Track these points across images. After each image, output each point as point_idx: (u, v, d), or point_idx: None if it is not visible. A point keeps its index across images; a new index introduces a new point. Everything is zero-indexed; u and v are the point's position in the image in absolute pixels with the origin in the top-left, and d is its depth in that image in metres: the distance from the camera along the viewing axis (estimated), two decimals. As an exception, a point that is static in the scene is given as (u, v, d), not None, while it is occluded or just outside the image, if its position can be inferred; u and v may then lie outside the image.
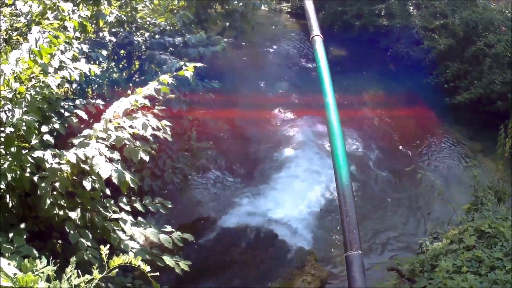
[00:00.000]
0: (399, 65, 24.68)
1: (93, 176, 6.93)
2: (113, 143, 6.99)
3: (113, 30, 11.29)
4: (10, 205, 6.76)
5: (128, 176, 6.92)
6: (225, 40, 14.41)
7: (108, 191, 7.30)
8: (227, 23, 15.75)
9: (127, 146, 7.07)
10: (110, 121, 7.13)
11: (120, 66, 11.56)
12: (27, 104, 6.78)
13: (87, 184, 6.87)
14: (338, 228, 13.62)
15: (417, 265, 9.20)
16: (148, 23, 12.54)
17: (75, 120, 7.90)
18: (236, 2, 15.10)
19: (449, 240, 9.40)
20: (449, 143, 19.25)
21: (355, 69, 24.05)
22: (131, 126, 7.14)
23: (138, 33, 12.09)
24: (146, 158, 7.16)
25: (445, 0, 26.65)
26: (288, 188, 14.81)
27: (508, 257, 7.95)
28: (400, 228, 14.13)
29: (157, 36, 12.09)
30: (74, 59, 7.97)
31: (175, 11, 14.11)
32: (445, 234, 10.20)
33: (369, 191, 15.55)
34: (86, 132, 7.19)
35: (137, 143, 7.24)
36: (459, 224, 10.54)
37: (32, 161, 6.66)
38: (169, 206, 7.98)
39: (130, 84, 11.54)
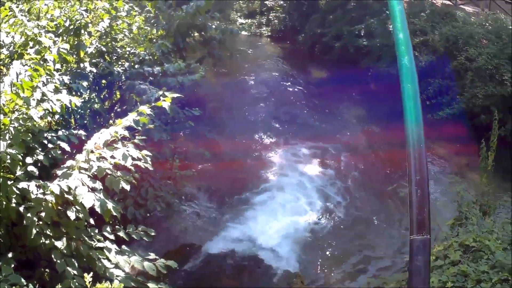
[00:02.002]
0: (380, 84, 24.77)
1: (77, 206, 7.01)
2: (95, 173, 7.09)
3: (94, 61, 11.37)
4: (-2, 234, 6.84)
5: (110, 205, 7.01)
6: (206, 67, 14.58)
7: (92, 221, 7.38)
8: (206, 51, 15.88)
9: (109, 176, 7.17)
10: (92, 152, 7.22)
11: (102, 96, 11.62)
12: (11, 137, 6.88)
13: (72, 214, 6.96)
14: (324, 250, 13.71)
15: (403, 283, 9.27)
16: (127, 53, 12.63)
17: (58, 152, 7.98)
18: (214, 30, 15.22)
19: (434, 257, 9.45)
20: (433, 159, 19.37)
21: (336, 90, 24.19)
22: (112, 157, 7.24)
23: (118, 63, 12.18)
24: (127, 187, 7.26)
25: (425, 17, 26.86)
26: (272, 214, 14.86)
27: (494, 269, 8.02)
28: (385, 247, 14.19)
29: (136, 66, 12.15)
30: (56, 90, 8.07)
31: (154, 40, 14.22)
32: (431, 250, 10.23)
33: (352, 212, 15.60)
34: (69, 163, 7.28)
35: (119, 173, 7.32)
36: (444, 240, 10.59)
37: (18, 192, 6.76)
38: (152, 234, 8.06)
39: (112, 114, 11.64)
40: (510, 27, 24.99)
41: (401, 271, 11.19)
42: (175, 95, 8.17)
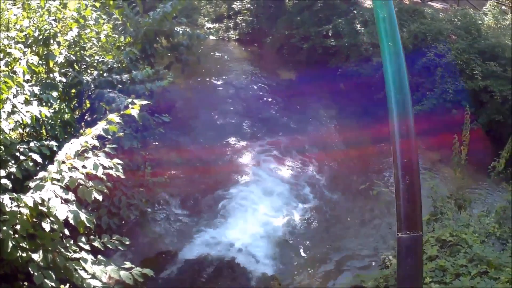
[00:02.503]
0: (349, 83, 24.88)
1: (51, 218, 6.98)
2: (67, 184, 7.05)
3: (63, 70, 11.32)
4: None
5: (83, 216, 6.98)
6: (174, 72, 14.57)
7: (67, 231, 7.34)
8: (174, 57, 15.84)
9: (81, 187, 7.14)
10: (63, 162, 7.18)
11: (71, 106, 11.57)
12: (-17, 150, 6.85)
13: (46, 226, 6.92)
14: (300, 250, 13.73)
15: (381, 281, 9.27)
16: (96, 61, 12.59)
17: (31, 164, 7.94)
18: (181, 35, 15.19)
19: (412, 253, 9.46)
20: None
21: (306, 91, 24.25)
22: (83, 166, 7.20)
23: (87, 72, 12.15)
24: (100, 197, 7.23)
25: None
26: (246, 216, 14.88)
27: (473, 262, 8.06)
28: (361, 245, 14.24)
29: (105, 74, 12.12)
30: (26, 102, 8.04)
31: (122, 47, 14.17)
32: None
33: (326, 211, 15.65)
34: (41, 174, 7.24)
35: (90, 183, 7.29)
36: (420, 235, 10.61)
37: (-9, 205, 6.71)
38: (127, 242, 8.03)
39: (82, 124, 11.58)
40: (479, 21, 25.22)
41: (378, 269, 11.18)
42: (144, 102, 8.13)
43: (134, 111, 7.68)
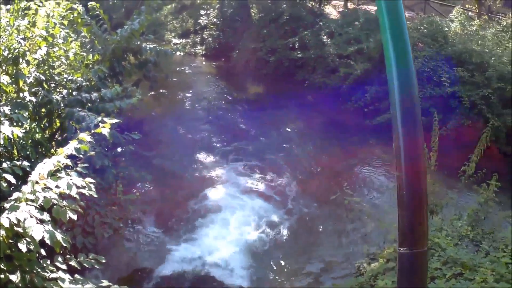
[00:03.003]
0: (317, 95, 25.07)
1: (27, 238, 6.95)
2: (42, 204, 7.03)
3: (33, 89, 11.25)
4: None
5: (59, 236, 6.95)
6: (142, 89, 14.56)
7: (43, 252, 7.31)
8: (142, 74, 15.81)
9: (55, 207, 7.12)
10: (37, 182, 7.17)
11: (42, 125, 11.51)
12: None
13: (23, 247, 6.89)
14: (276, 263, 13.75)
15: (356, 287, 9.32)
16: (65, 80, 12.53)
17: (4, 184, 7.91)
18: (148, 52, 15.17)
19: (386, 259, 9.55)
20: (375, 164, 19.60)
21: (273, 104, 24.36)
22: (57, 186, 7.18)
23: (56, 91, 12.08)
24: (74, 217, 7.21)
25: (359, 26, 27.18)
26: (220, 231, 14.87)
27: (447, 265, 8.12)
28: (336, 254, 14.28)
29: (74, 93, 12.05)
30: (-3, 122, 8.03)
31: (91, 65, 14.11)
32: (381, 253, 10.32)
33: (299, 224, 15.66)
34: (15, 195, 7.21)
35: (64, 203, 7.27)
36: (393, 242, 10.69)
37: (-32, 227, 6.67)
38: (103, 261, 8.00)
39: (53, 143, 11.53)
40: (446, 28, 25.49)
41: (353, 276, 11.23)
42: (114, 121, 8.12)
43: (105, 130, 7.67)
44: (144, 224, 14.76)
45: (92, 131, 7.81)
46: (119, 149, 12.75)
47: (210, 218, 15.38)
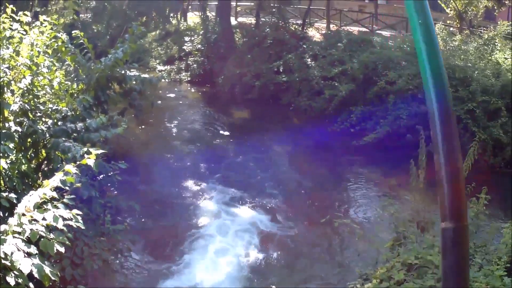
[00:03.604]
0: (302, 118, 25.12)
1: (15, 272, 6.86)
2: (29, 236, 6.95)
3: (18, 120, 11.18)
4: None
5: (47, 269, 6.88)
6: (127, 118, 14.50)
7: (32, 285, 7.21)
8: (127, 102, 15.73)
9: (42, 239, 7.04)
10: (23, 215, 7.09)
11: (28, 156, 11.43)
12: None
13: (11, 280, 6.82)
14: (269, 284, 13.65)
15: (349, 308, 9.27)
16: (50, 109, 12.44)
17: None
18: (133, 81, 15.10)
19: (379, 280, 9.47)
20: (364, 184, 19.60)
21: (259, 129, 24.41)
22: (43, 219, 7.11)
23: (42, 121, 12.00)
24: (62, 249, 7.13)
25: (342, 47, 27.32)
26: (210, 257, 14.71)
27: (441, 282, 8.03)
28: (329, 278, 14.18)
29: (60, 123, 11.98)
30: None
31: (75, 94, 14.04)
32: (374, 274, 10.25)
33: (290, 248, 15.56)
34: (2, 227, 7.13)
35: (51, 235, 7.19)
36: (385, 262, 10.63)
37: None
38: (92, 293, 7.94)
39: (40, 174, 11.43)
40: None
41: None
42: (100, 151, 8.09)
43: (90, 161, 7.62)
44: (133, 254, 14.61)
45: (78, 162, 7.74)
46: (106, 179, 12.58)
47: (200, 245, 15.25)
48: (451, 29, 32.74)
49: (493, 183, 15.51)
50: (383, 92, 23.22)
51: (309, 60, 28.16)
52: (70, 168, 7.44)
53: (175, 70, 36.06)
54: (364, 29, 36.95)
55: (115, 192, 14.78)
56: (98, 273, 12.45)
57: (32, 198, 7.24)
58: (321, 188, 19.31)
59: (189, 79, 34.77)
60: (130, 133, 18.51)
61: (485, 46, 26.40)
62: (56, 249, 7.15)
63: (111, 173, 12.29)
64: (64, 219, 7.26)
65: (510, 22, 28.95)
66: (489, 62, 24.59)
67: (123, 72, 15.02)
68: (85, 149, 9.72)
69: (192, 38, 37.94)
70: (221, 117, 27.71)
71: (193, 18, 44.47)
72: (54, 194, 7.35)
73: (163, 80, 33.36)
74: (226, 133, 25.37)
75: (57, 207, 7.38)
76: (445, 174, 3.50)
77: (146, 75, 16.47)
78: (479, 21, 36.48)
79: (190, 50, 36.74)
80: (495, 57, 24.99)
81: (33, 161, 11.85)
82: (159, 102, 28.56)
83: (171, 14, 43.28)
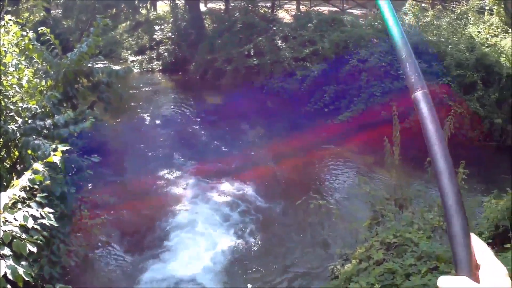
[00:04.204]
0: (275, 100, 25.10)
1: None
2: (2, 238, 6.90)
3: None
4: None
5: (21, 270, 6.83)
6: (97, 110, 14.44)
7: (9, 286, 7.17)
8: (96, 96, 15.62)
9: (15, 240, 6.98)
10: (-4, 216, 7.04)
11: (1, 156, 11.35)
12: None
13: (-12, 282, 6.79)
14: (249, 274, 13.62)
15: (331, 290, 9.24)
16: (20, 108, 12.34)
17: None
18: (100, 73, 14.99)
19: (358, 260, 9.46)
20: (340, 164, 19.61)
21: (233, 113, 24.38)
22: (15, 219, 7.06)
23: (13, 120, 11.90)
24: (34, 249, 7.07)
25: (312, 27, 27.30)
26: (190, 246, 14.67)
27: (421, 260, 8.03)
28: (309, 259, 14.17)
29: (30, 121, 11.90)
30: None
31: (45, 91, 13.92)
32: (353, 254, 10.25)
33: (269, 233, 15.56)
34: (-24, 229, 7.08)
35: (24, 235, 7.13)
36: (364, 241, 10.63)
37: None
38: (71, 290, 7.88)
39: (13, 174, 11.34)
40: (400, 22, 25.61)
41: (329, 279, 11.14)
42: (65, 148, 8.05)
43: (56, 158, 7.57)
44: (112, 248, 14.57)
45: (45, 160, 7.69)
46: (79, 174, 12.51)
47: (179, 234, 15.20)
48: (423, 5, 32.76)
49: (471, 157, 15.57)
50: (355, 70, 23.22)
51: (279, 42, 28.12)
52: (38, 166, 7.40)
53: (147, 59, 35.89)
54: (334, 9, 36.91)
55: (92, 186, 14.72)
56: (79, 269, 12.43)
57: (1, 199, 7.19)
58: (297, 170, 19.30)
59: (161, 67, 34.61)
60: (104, 125, 18.35)
61: (458, 21, 26.48)
62: (31, 249, 7.10)
63: (85, 167, 12.22)
64: (35, 218, 7.20)
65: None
66: (462, 37, 24.69)
67: (90, 65, 14.90)
68: (54, 146, 9.64)
69: (162, 27, 37.79)
70: (194, 104, 27.68)
71: (162, 6, 44.26)
72: (23, 194, 7.30)
73: (135, 69, 33.25)
74: (200, 119, 25.32)
75: (30, 206, 7.33)
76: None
77: (113, 67, 16.39)
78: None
79: (161, 38, 36.59)
80: (468, 31, 25.10)
81: (7, 161, 11.76)
82: (132, 92, 28.56)
83: (141, 4, 43.11)
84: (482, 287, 1.32)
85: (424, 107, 1.60)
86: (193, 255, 14.28)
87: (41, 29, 14.63)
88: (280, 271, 13.79)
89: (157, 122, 24.99)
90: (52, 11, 43.48)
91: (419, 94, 1.65)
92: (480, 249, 1.40)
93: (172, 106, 27.37)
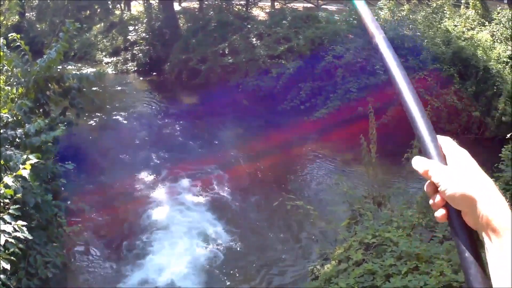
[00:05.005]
0: (251, 98, 25.06)
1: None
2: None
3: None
4: None
5: (-2, 284, 6.73)
6: (71, 116, 14.32)
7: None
8: (68, 102, 15.46)
9: (-13, 256, 6.87)
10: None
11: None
12: None
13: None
14: (229, 276, 13.54)
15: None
16: (-9, 117, 12.19)
17: None
18: (70, 79, 14.84)
19: (337, 260, 9.38)
20: (317, 162, 19.60)
21: (209, 113, 24.38)
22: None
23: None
24: (7, 266, 6.95)
25: (287, 24, 27.28)
26: (169, 250, 14.59)
27: (402, 260, 7.94)
28: (288, 260, 14.13)
29: (2, 131, 11.73)
30: None
31: (16, 99, 13.76)
32: (333, 254, 10.17)
33: (247, 234, 15.48)
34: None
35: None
36: (343, 241, 10.56)
37: None
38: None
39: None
40: (375, 17, 25.62)
41: (309, 280, 11.06)
42: (34, 160, 7.94)
43: (25, 172, 7.47)
44: (91, 255, 14.46)
45: (14, 174, 7.56)
46: (55, 182, 12.38)
47: (157, 238, 15.10)
48: (398, -1, 32.83)
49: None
50: (331, 66, 23.18)
51: (254, 39, 28.02)
52: (7, 180, 7.26)
53: (122, 61, 35.64)
54: (309, 5, 36.89)
55: (66, 193, 14.57)
56: (57, 280, 12.25)
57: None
58: (274, 169, 19.27)
59: (135, 68, 34.40)
60: (79, 130, 18.16)
61: (434, 15, 26.57)
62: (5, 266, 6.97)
63: (60, 174, 12.10)
64: (7, 232, 7.07)
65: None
66: (438, 30, 24.83)
67: (59, 71, 14.79)
68: (25, 156, 9.49)
69: (137, 27, 37.51)
70: (169, 105, 27.61)
71: (136, 7, 43.93)
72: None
73: (110, 71, 33.13)
74: (175, 120, 25.25)
75: (4, 220, 7.20)
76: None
77: (84, 71, 16.24)
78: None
79: (135, 39, 36.35)
80: (444, 25, 25.25)
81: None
82: (106, 95, 28.43)
83: (114, 5, 42.89)
84: (449, 166, 1.62)
85: (385, 49, 1.93)
86: (172, 258, 14.20)
87: (12, 35, 14.49)
88: (259, 271, 13.77)
89: (133, 124, 24.84)
90: (26, 14, 43.25)
91: (380, 39, 1.99)
92: (445, 142, 1.72)
93: (147, 107, 27.28)
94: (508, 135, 12.34)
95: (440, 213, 1.59)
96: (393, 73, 1.84)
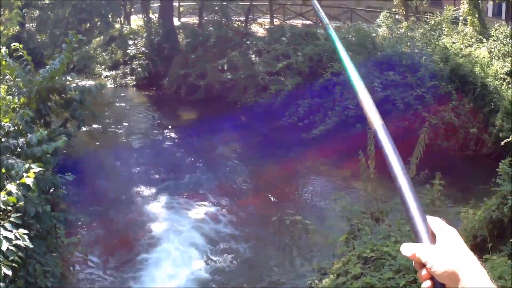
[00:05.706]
0: (250, 115, 25.06)
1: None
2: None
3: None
4: None
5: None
6: (71, 128, 14.35)
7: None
8: (69, 113, 15.50)
9: (-12, 264, 6.89)
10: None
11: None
12: None
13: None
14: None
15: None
16: (-7, 126, 12.22)
17: None
18: (72, 90, 14.88)
19: (336, 274, 9.40)
20: (316, 178, 19.61)
21: (208, 129, 24.29)
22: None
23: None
24: (9, 272, 6.97)
25: (286, 41, 27.34)
26: (166, 264, 14.58)
27: (400, 273, 7.98)
28: (287, 274, 14.14)
29: (3, 140, 11.76)
30: None
31: (18, 109, 13.79)
32: (331, 268, 10.20)
33: (244, 250, 15.48)
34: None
35: (1, 257, 7.04)
36: (341, 256, 10.58)
37: None
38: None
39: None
40: (374, 34, 25.79)
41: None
42: (38, 169, 7.97)
43: (29, 180, 7.47)
44: (89, 266, 14.48)
45: (18, 181, 7.59)
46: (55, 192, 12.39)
47: (155, 251, 15.11)
48: (397, 16, 32.88)
49: (447, 167, 15.62)
50: (329, 83, 23.24)
51: (253, 56, 28.14)
52: (11, 187, 7.30)
53: (121, 74, 35.70)
54: (308, 22, 36.97)
55: (66, 204, 14.57)
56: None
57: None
58: (272, 185, 19.28)
59: (134, 83, 34.46)
60: (80, 142, 18.22)
61: (432, 32, 26.67)
62: (6, 272, 6.99)
63: (59, 185, 12.10)
64: (9, 240, 7.10)
65: (456, 7, 29.13)
66: (436, 47, 24.90)
67: (62, 82, 14.81)
68: (27, 165, 9.52)
69: (136, 42, 37.54)
70: (167, 120, 27.70)
71: (136, 21, 43.95)
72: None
73: (109, 85, 33.15)
74: (174, 135, 25.38)
75: (4, 227, 7.22)
76: None
77: (86, 84, 16.28)
78: (425, 7, 36.79)
79: (135, 53, 36.39)
80: (442, 42, 25.32)
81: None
82: (106, 108, 28.41)
83: (114, 19, 42.96)
84: (436, 245, 1.73)
85: (383, 137, 2.13)
86: (170, 272, 14.22)
87: (14, 45, 14.51)
88: (256, 284, 13.73)
89: (132, 138, 24.88)
90: (26, 25, 43.33)
91: (378, 127, 2.13)
92: (435, 222, 1.82)
93: (145, 122, 27.34)
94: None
95: (426, 285, 1.71)
96: (390, 160, 2.05)
